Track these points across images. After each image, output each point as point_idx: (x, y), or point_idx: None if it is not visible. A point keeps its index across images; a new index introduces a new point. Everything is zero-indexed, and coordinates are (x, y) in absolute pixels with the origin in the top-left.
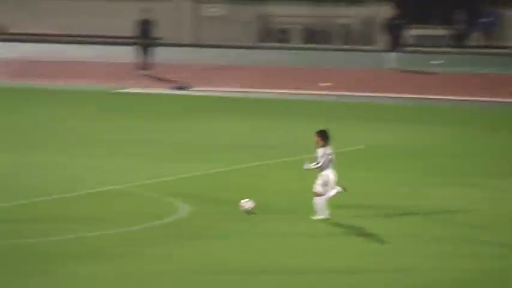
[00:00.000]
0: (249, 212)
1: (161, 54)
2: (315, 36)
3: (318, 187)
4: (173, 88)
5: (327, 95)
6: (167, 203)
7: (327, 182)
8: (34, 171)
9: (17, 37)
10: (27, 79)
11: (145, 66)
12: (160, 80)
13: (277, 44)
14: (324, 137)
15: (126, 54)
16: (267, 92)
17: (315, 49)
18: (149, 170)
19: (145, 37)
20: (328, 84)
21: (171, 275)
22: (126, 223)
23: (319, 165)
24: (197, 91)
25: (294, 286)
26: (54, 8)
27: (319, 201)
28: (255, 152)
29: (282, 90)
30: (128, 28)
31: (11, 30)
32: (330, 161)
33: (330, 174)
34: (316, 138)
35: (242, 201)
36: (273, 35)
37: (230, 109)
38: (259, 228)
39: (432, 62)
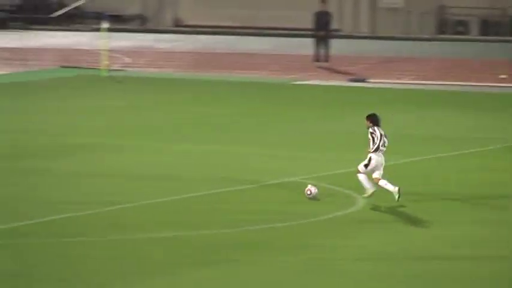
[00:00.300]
0: (315, 198)
1: (338, 46)
2: (492, 28)
3: (361, 166)
4: (351, 80)
5: (505, 87)
6: (347, 194)
7: (374, 165)
8: (215, 161)
9: (194, 29)
10: (204, 71)
11: (323, 58)
12: (338, 72)
13: (455, 36)
14: (371, 119)
15: (303, 46)
16: (444, 84)
17: (492, 41)
18: (328, 161)
19: (323, 29)
20: (505, 76)
21: (352, 263)
22: (308, 214)
23: (376, 146)
24: (374, 83)
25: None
26: (231, 0)
27: (361, 178)
28: (428, 144)
29: (459, 82)
30: (306, 20)
31: (188, 23)
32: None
33: (375, 156)
34: (366, 122)
35: (308, 186)
36: (451, 27)
37: (407, 101)
38: (438, 218)
39: None
